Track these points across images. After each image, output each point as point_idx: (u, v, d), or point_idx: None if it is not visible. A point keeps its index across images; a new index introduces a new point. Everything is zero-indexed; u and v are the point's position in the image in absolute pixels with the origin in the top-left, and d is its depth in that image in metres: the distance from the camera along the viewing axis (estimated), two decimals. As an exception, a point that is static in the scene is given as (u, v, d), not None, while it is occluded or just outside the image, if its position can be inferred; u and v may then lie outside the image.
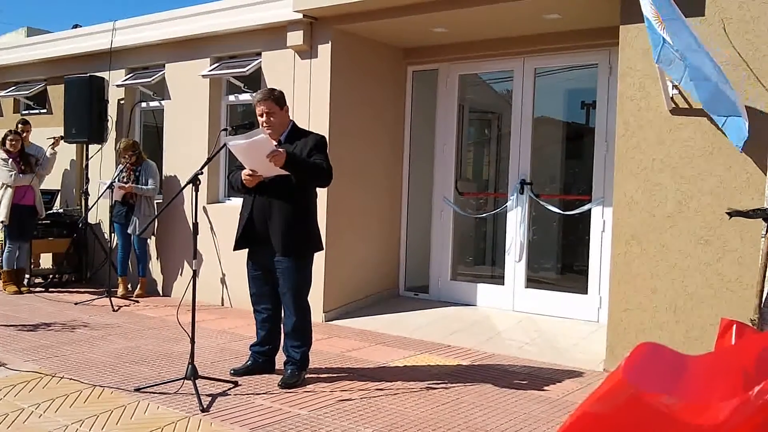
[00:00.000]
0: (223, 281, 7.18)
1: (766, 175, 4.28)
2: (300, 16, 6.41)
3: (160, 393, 4.13)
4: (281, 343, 4.56)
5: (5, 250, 7.62)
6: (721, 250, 4.46)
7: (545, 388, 4.48)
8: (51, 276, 8.31)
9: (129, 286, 7.65)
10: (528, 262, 6.58)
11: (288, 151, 4.20)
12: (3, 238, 7.76)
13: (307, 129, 4.76)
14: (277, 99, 4.43)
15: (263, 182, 4.33)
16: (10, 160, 7.61)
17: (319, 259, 5.13)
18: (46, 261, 8.76)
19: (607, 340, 4.92)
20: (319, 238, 4.60)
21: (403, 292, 7.34)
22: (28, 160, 7.77)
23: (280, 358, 4.60)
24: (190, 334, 4.25)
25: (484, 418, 3.89)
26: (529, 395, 4.33)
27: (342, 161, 5.98)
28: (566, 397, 4.31)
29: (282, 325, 4.53)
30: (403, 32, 6.60)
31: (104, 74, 8.21)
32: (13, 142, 7.65)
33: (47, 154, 8.02)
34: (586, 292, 6.19)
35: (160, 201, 7.60)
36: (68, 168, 8.95)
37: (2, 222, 7.53)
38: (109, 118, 8.15)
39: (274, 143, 4.26)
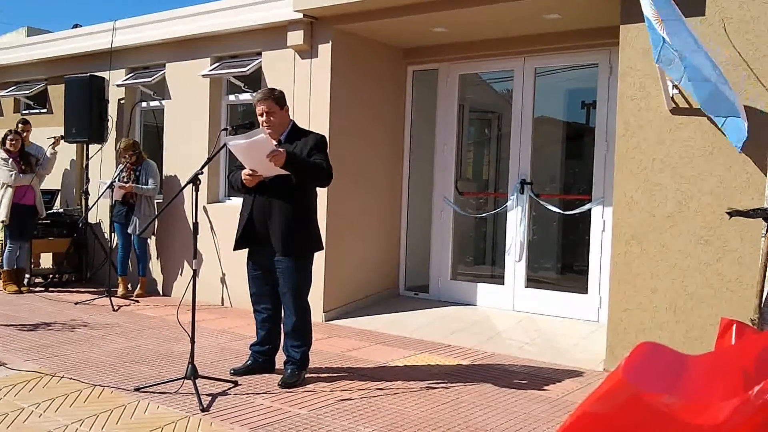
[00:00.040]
0: (223, 281, 7.18)
1: (766, 174, 4.28)
2: (300, 15, 6.41)
3: (160, 392, 4.13)
4: (281, 342, 4.56)
5: (6, 250, 7.62)
6: (721, 250, 4.46)
7: (545, 387, 4.48)
8: (51, 276, 8.31)
9: (129, 285, 7.65)
10: (528, 262, 6.58)
11: (288, 150, 4.20)
12: (3, 238, 7.77)
13: (307, 129, 4.76)
14: (277, 99, 4.43)
15: (263, 182, 4.33)
16: (11, 159, 7.61)
17: (319, 258, 5.13)
18: (46, 261, 8.76)
19: (607, 340, 4.92)
20: (319, 238, 4.60)
21: (403, 292, 7.34)
22: (28, 160, 7.77)
23: (280, 358, 4.60)
24: (190, 334, 4.26)
25: (484, 417, 3.89)
26: (529, 395, 4.33)
27: (342, 161, 5.99)
28: (566, 396, 4.31)
29: (282, 325, 4.53)
30: (403, 32, 6.60)
31: (104, 74, 8.21)
32: (13, 142, 7.65)
33: (47, 153, 8.02)
34: (586, 292, 6.19)
35: (161, 201, 7.60)
36: (68, 168, 8.95)
37: (2, 222, 7.53)
38: (109, 117, 8.16)
39: (274, 143, 4.26)
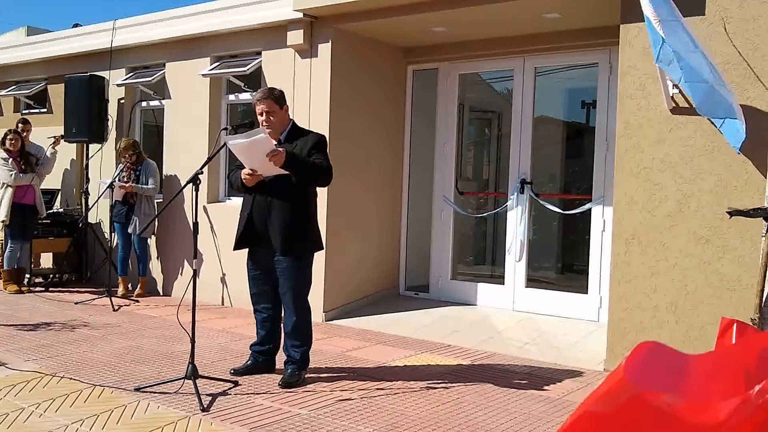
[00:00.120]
0: (223, 281, 7.18)
1: (766, 174, 4.27)
2: (300, 15, 6.41)
3: (160, 392, 4.13)
4: (281, 342, 4.56)
5: (7, 250, 7.62)
6: (722, 250, 4.46)
7: (545, 387, 4.48)
8: (51, 275, 8.31)
9: (129, 285, 7.65)
10: (528, 262, 6.58)
11: (288, 150, 4.20)
12: (4, 238, 7.77)
13: (307, 128, 4.76)
14: (277, 98, 4.42)
15: (263, 182, 4.33)
16: (11, 159, 7.61)
17: (319, 258, 5.13)
18: (46, 260, 8.76)
19: (608, 340, 4.92)
20: (319, 238, 4.60)
21: (403, 292, 7.34)
22: (28, 160, 7.77)
23: (280, 358, 4.60)
24: (191, 334, 4.25)
25: (484, 417, 3.89)
26: (530, 395, 4.33)
27: (342, 161, 5.98)
28: (566, 396, 4.31)
29: (282, 325, 4.52)
30: (403, 31, 6.60)
31: (104, 73, 8.21)
32: (13, 141, 7.65)
33: (47, 153, 8.02)
34: (586, 292, 6.19)
35: (161, 200, 7.60)
36: (68, 167, 8.95)
37: (3, 221, 7.53)
38: (109, 117, 8.16)
39: (274, 143, 4.26)
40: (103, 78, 8.12)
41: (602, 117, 6.11)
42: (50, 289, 7.86)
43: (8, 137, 7.66)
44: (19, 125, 8.11)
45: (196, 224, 4.27)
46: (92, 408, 3.87)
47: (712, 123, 4.38)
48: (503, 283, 6.68)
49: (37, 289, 7.85)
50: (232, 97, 7.50)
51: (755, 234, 4.23)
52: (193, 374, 4.15)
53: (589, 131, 6.68)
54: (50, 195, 8.66)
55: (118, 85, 8.19)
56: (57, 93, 8.79)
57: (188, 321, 4.29)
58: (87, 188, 7.95)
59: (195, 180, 4.17)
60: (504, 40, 6.52)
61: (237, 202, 6.06)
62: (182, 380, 4.20)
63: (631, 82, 4.80)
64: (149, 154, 7.74)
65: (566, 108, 8.18)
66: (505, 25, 6.22)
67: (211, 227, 7.19)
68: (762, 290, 3.79)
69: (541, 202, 6.53)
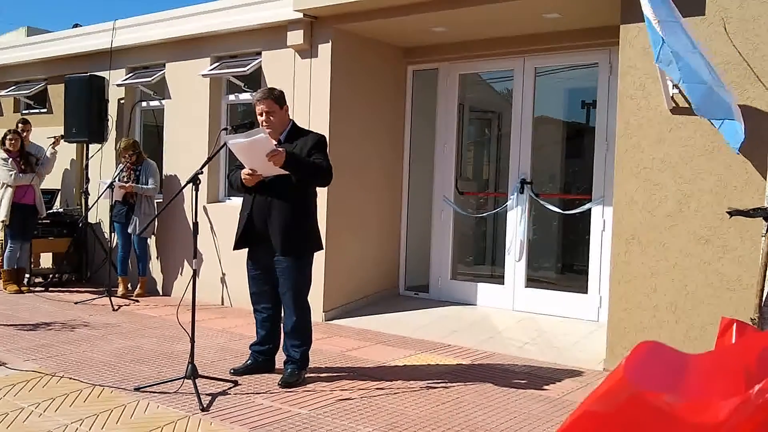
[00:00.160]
0: (223, 281, 7.18)
1: (766, 173, 4.27)
2: (300, 15, 6.41)
3: (160, 392, 4.12)
4: (281, 342, 4.56)
5: (7, 250, 7.62)
6: (722, 250, 4.46)
7: (545, 387, 4.48)
8: (51, 275, 8.31)
9: (129, 285, 7.64)
10: (528, 262, 6.58)
11: (288, 150, 4.20)
12: (4, 238, 7.77)
13: (307, 128, 4.76)
14: (276, 98, 4.42)
15: (263, 182, 4.33)
16: (10, 159, 7.61)
17: (319, 258, 5.13)
18: (46, 260, 8.76)
19: (607, 340, 4.92)
20: (319, 238, 4.60)
21: (403, 292, 7.34)
22: (28, 160, 7.77)
23: (280, 358, 4.60)
24: (190, 334, 4.25)
25: (484, 417, 3.88)
26: (529, 394, 4.33)
27: (342, 161, 5.98)
28: (566, 396, 4.31)
29: (282, 325, 4.52)
30: (403, 32, 6.60)
31: (104, 74, 8.21)
32: (12, 141, 7.65)
33: (47, 153, 8.02)
34: (586, 292, 6.19)
35: (161, 200, 7.60)
36: (68, 167, 8.95)
37: (3, 221, 7.53)
38: (109, 117, 8.16)
39: (274, 143, 4.26)
40: (103, 78, 8.12)
41: (602, 117, 6.11)
42: (50, 289, 7.86)
43: (8, 137, 7.66)
44: (19, 125, 8.11)
45: (196, 224, 4.27)
46: (92, 408, 3.87)
47: (712, 123, 4.38)
48: (503, 283, 6.68)
49: (37, 289, 7.85)
50: (232, 97, 7.50)
51: (755, 234, 4.23)
52: (192, 374, 4.15)
53: (589, 131, 6.68)
54: (50, 195, 8.67)
55: (118, 85, 8.19)
56: (57, 93, 8.79)
57: (188, 321, 4.30)
58: (87, 188, 7.95)
59: (195, 180, 4.17)
60: (504, 40, 6.52)
61: (237, 202, 6.06)
62: (182, 380, 4.20)
63: (631, 82, 4.80)
64: (149, 154, 7.74)
65: (566, 108, 8.18)
66: (505, 25, 6.22)
67: (211, 227, 7.19)
68: (762, 290, 3.79)
69: (541, 202, 6.53)
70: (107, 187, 7.21)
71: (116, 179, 7.28)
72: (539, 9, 5.65)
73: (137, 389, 4.15)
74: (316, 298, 5.67)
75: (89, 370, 4.60)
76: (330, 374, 4.67)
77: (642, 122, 4.76)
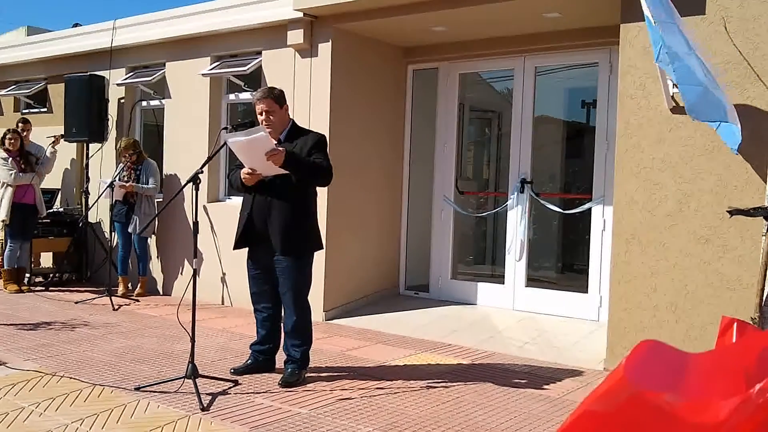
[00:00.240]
0: (223, 280, 7.18)
1: (766, 174, 4.27)
2: (300, 14, 6.41)
3: (160, 392, 4.13)
4: (281, 342, 4.56)
5: (7, 249, 7.62)
6: (722, 249, 4.46)
7: (545, 386, 4.48)
8: (51, 275, 8.31)
9: (129, 285, 7.65)
10: (528, 261, 6.57)
11: (287, 150, 4.20)
12: (4, 237, 7.77)
13: (307, 128, 4.76)
14: (276, 97, 4.42)
15: (263, 181, 4.33)
16: (10, 159, 7.61)
17: (319, 258, 5.12)
18: (46, 260, 8.76)
19: (608, 339, 4.92)
20: (319, 237, 4.60)
21: (403, 291, 7.33)
22: (28, 159, 7.77)
23: (280, 357, 4.60)
24: (191, 333, 4.25)
25: (484, 416, 3.88)
26: (530, 394, 4.33)
27: (342, 160, 5.98)
28: (566, 396, 4.31)
29: (282, 324, 4.52)
30: (403, 31, 6.60)
31: (104, 73, 8.21)
32: (12, 141, 7.65)
33: (47, 153, 8.02)
34: (586, 291, 6.19)
35: (161, 200, 7.60)
36: (68, 167, 8.95)
37: (3, 221, 7.53)
38: (109, 117, 8.16)
39: (274, 142, 4.26)
40: (103, 78, 8.12)
41: (602, 117, 6.11)
42: (50, 288, 7.86)
43: (8, 137, 7.66)
44: (19, 125, 8.12)
45: (196, 224, 4.27)
46: (92, 407, 3.87)
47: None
48: (503, 283, 6.67)
49: (37, 288, 7.85)
50: (232, 96, 7.50)
51: (755, 233, 4.23)
52: (193, 373, 4.15)
53: (589, 131, 6.68)
54: (50, 194, 8.67)
55: (118, 84, 8.19)
56: (57, 93, 8.79)
57: (188, 320, 4.30)
58: (87, 188, 7.95)
59: (195, 179, 4.17)
60: (504, 40, 6.52)
61: (237, 201, 6.06)
62: (182, 379, 4.20)
63: (631, 81, 4.80)
64: (149, 154, 7.74)
65: (566, 108, 8.18)
66: (505, 25, 6.22)
67: (211, 227, 7.19)
68: (762, 289, 3.79)
69: (542, 201, 6.53)
70: (107, 187, 7.21)
71: (116, 179, 7.28)
72: (539, 8, 5.65)
73: (137, 389, 4.15)
74: (316, 297, 5.67)
75: (89, 369, 4.60)
76: (330, 374, 4.67)
77: (642, 122, 4.76)
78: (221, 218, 7.13)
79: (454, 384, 4.48)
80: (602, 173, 6.08)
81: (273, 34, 6.78)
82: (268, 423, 3.70)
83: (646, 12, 4.02)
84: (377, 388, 4.35)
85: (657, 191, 4.69)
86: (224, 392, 4.18)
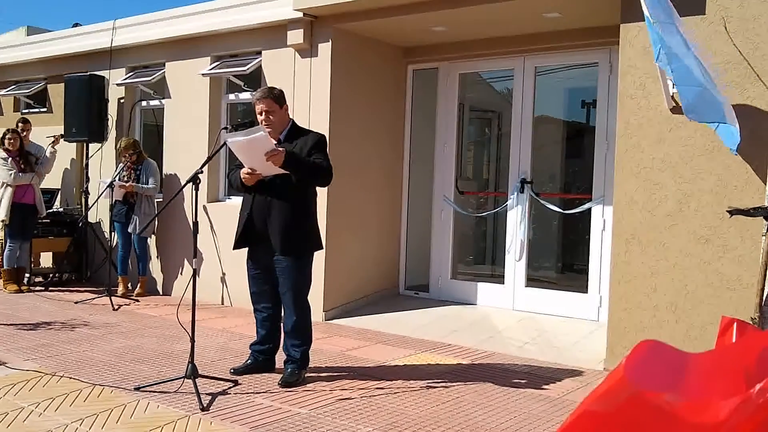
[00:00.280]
0: (223, 280, 7.18)
1: (766, 173, 4.27)
2: (300, 14, 6.41)
3: (160, 392, 4.12)
4: (281, 342, 4.56)
5: (6, 249, 7.62)
6: (722, 249, 4.46)
7: (545, 386, 4.48)
8: (51, 275, 8.31)
9: (129, 285, 7.64)
10: (528, 261, 6.57)
11: (287, 150, 4.20)
12: (4, 237, 7.77)
13: (307, 128, 4.76)
14: (276, 97, 4.42)
15: (263, 181, 4.33)
16: (10, 158, 7.61)
17: (319, 258, 5.12)
18: (46, 260, 8.76)
19: (608, 339, 4.92)
20: (319, 237, 4.60)
21: (403, 291, 7.33)
22: (27, 159, 7.77)
23: (280, 357, 4.60)
24: (190, 333, 4.25)
25: (484, 416, 3.88)
26: (530, 394, 4.33)
27: (342, 160, 5.98)
28: (566, 396, 4.31)
29: (282, 324, 4.52)
30: (403, 31, 6.60)
31: (104, 73, 8.21)
32: (11, 140, 7.64)
33: (47, 152, 8.02)
34: (586, 291, 6.19)
35: (161, 200, 7.60)
36: (68, 167, 8.95)
37: (3, 221, 7.53)
38: (109, 116, 8.16)
39: (274, 142, 4.26)
40: (103, 78, 8.12)
41: (602, 117, 6.10)
42: (50, 288, 7.86)
43: (7, 136, 7.66)
44: (19, 125, 8.11)
45: (196, 224, 4.27)
46: (92, 407, 3.87)
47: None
48: (503, 283, 6.67)
49: (37, 288, 7.85)
50: (232, 96, 7.50)
51: (755, 233, 4.23)
52: (192, 373, 4.15)
53: (589, 131, 6.68)
54: (50, 194, 8.67)
55: (117, 84, 8.19)
56: (57, 93, 8.79)
57: (188, 320, 4.29)
58: (87, 188, 7.95)
59: (195, 179, 4.17)
60: (504, 40, 6.52)
61: (237, 201, 6.05)
62: (182, 379, 4.20)
63: (631, 81, 4.80)
64: (149, 154, 7.74)
65: (566, 108, 8.17)
66: (505, 25, 6.22)
67: (211, 227, 7.19)
68: (762, 289, 3.79)
69: (541, 201, 6.53)
70: (107, 187, 7.21)
71: (116, 178, 7.28)
72: (539, 8, 5.65)
73: (137, 389, 4.15)
74: (316, 297, 5.67)
75: (89, 369, 4.60)
76: (330, 374, 4.66)
77: (642, 122, 4.75)
78: (221, 218, 7.13)
79: (454, 384, 4.48)
80: (602, 173, 6.08)
81: (273, 34, 6.78)
82: (268, 423, 3.70)
83: (646, 12, 4.02)
84: (377, 388, 4.35)
85: (657, 191, 4.69)
86: (224, 392, 4.18)
